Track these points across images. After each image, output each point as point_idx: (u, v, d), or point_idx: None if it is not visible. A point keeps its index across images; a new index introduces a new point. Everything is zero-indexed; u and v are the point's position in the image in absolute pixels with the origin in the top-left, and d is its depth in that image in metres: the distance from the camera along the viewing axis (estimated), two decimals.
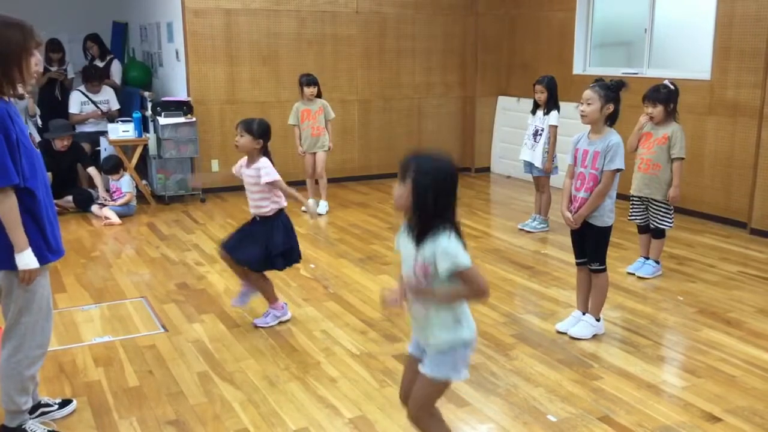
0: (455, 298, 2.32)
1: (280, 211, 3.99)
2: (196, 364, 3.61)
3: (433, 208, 2.25)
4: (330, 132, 6.81)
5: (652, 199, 4.83)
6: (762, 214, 5.92)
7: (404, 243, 2.38)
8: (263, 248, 3.92)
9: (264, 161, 3.91)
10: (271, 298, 4.09)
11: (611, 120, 3.77)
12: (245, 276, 4.10)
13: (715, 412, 3.10)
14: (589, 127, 3.82)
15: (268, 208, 3.94)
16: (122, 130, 7.09)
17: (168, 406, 3.18)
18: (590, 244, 3.86)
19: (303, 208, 3.98)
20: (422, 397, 2.44)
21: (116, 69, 8.65)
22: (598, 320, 3.93)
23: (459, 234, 2.26)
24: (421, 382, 2.41)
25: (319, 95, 6.77)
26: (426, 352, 2.41)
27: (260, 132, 3.88)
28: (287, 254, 4.01)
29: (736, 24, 6.08)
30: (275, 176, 3.90)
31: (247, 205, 4.08)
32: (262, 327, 4.03)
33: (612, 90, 3.73)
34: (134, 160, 7.09)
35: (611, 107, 3.71)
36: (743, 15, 6.01)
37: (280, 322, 4.09)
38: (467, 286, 2.27)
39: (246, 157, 3.98)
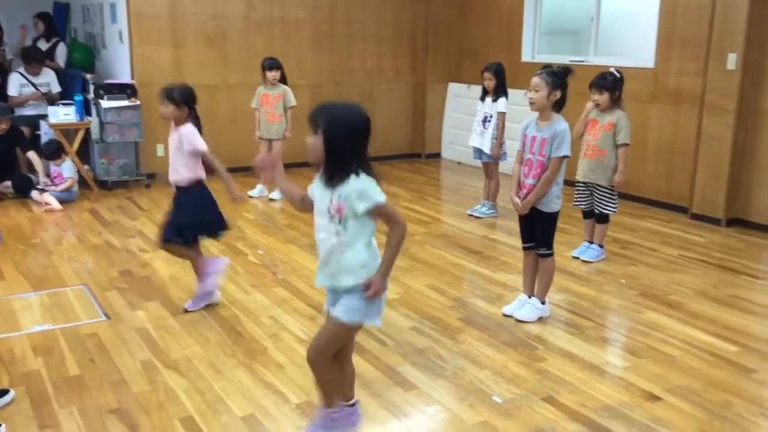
0: (393, 257, 2.45)
1: (198, 183, 3.90)
2: (140, 352, 3.53)
3: (346, 155, 2.37)
4: (289, 120, 6.61)
5: (597, 184, 4.92)
6: (702, 200, 6.09)
7: (318, 189, 2.49)
8: (176, 219, 3.88)
9: (188, 128, 3.82)
10: (201, 274, 4.01)
11: (558, 106, 3.81)
12: (192, 264, 4.07)
13: (655, 391, 3.18)
14: (536, 113, 3.86)
15: (184, 176, 3.87)
16: (63, 114, 6.88)
17: (110, 394, 3.11)
18: (538, 230, 3.91)
19: (234, 193, 3.92)
20: (324, 338, 2.54)
21: (61, 52, 8.37)
22: (543, 303, 3.99)
23: (371, 173, 2.40)
24: (327, 324, 2.54)
25: (283, 81, 6.63)
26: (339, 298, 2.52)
27: (183, 98, 3.79)
28: (200, 227, 3.94)
29: (679, 13, 6.21)
30: (198, 145, 3.81)
31: None
32: (192, 310, 3.98)
33: (559, 77, 3.77)
34: (76, 145, 6.89)
35: (558, 94, 3.76)
36: (686, 4, 6.14)
37: (210, 305, 4.05)
38: (391, 226, 2.43)
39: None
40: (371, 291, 2.43)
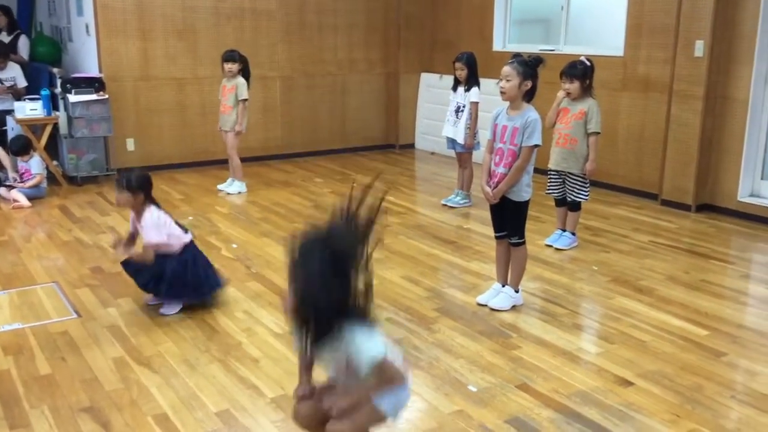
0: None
1: (184, 248, 3.90)
2: (112, 349, 3.49)
3: (325, 312, 1.98)
4: (240, 114, 6.41)
5: (569, 172, 4.95)
6: (672, 186, 6.17)
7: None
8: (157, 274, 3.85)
9: (147, 220, 3.80)
10: None
11: (529, 96, 3.82)
12: None
13: (627, 376, 3.22)
14: (507, 102, 3.87)
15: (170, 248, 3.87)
16: (30, 109, 6.75)
17: (82, 393, 3.07)
18: (509, 219, 3.93)
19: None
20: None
21: (23, 44, 8.20)
22: (517, 292, 4.01)
23: (363, 317, 2.04)
24: None
25: (244, 74, 6.52)
26: None
27: (138, 185, 3.79)
28: (181, 286, 3.87)
29: (647, 2, 6.26)
30: (155, 238, 3.77)
31: (166, 185, 3.96)
32: (168, 314, 3.89)
33: (530, 66, 3.78)
34: (43, 140, 6.77)
35: (529, 83, 3.77)
36: None
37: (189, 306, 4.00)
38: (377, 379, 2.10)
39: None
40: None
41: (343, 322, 2.01)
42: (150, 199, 3.86)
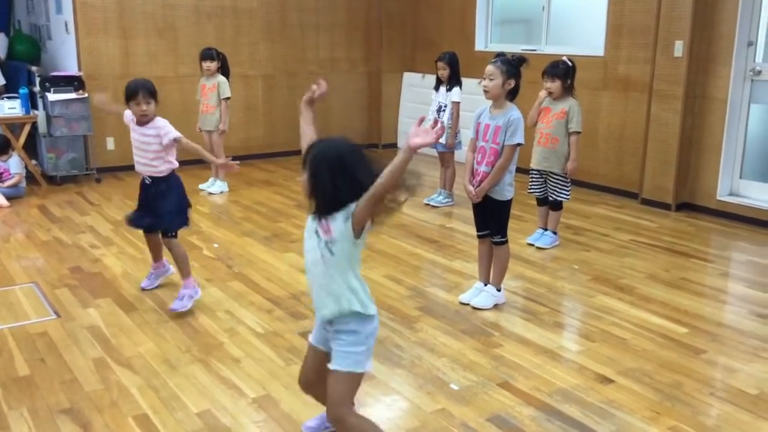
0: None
1: (173, 172, 3.89)
2: (92, 350, 3.46)
3: (331, 191, 2.20)
4: (223, 113, 6.43)
5: (550, 172, 4.98)
6: (652, 185, 6.22)
7: (310, 229, 2.32)
8: (159, 210, 3.86)
9: (160, 120, 3.80)
10: (187, 272, 3.92)
11: (512, 95, 3.84)
12: (158, 255, 4.09)
13: (608, 374, 3.24)
14: (489, 101, 3.88)
15: (160, 168, 3.83)
16: (8, 107, 6.69)
17: (61, 394, 3.04)
18: (492, 218, 3.94)
19: (217, 162, 4.15)
20: (337, 395, 2.32)
21: (1, 42, 8.11)
22: (499, 290, 4.02)
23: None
24: (330, 381, 2.32)
25: (225, 72, 6.50)
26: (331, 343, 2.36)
27: (154, 92, 3.78)
28: (178, 216, 3.93)
29: (627, 2, 6.31)
30: (177, 133, 3.80)
31: None
32: (180, 311, 3.84)
33: (513, 65, 3.79)
34: (22, 139, 6.69)
35: (513, 82, 3.78)
36: None
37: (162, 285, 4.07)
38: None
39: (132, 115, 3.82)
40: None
41: (349, 201, 2.23)
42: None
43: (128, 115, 3.85)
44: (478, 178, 3.88)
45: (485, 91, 3.82)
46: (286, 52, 8.20)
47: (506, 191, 3.87)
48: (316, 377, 2.48)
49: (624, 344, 3.56)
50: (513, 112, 3.80)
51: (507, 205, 3.92)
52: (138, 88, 3.70)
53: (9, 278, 4.43)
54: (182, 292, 3.91)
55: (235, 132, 7.56)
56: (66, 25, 7.35)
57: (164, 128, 3.78)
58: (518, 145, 3.80)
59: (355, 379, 2.35)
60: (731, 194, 5.93)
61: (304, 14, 8.22)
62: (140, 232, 4.17)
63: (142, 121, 3.79)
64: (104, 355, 3.40)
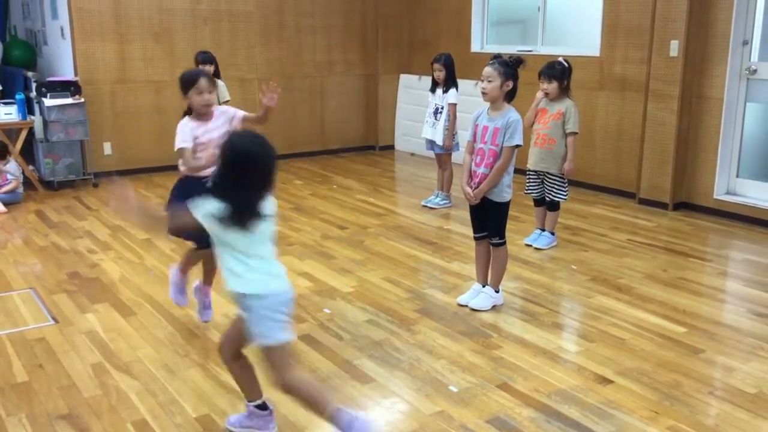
0: None
1: None
2: (90, 355, 3.45)
3: (218, 178, 2.40)
4: None
5: (547, 172, 4.98)
6: (649, 185, 6.23)
7: None
8: None
9: (221, 107, 3.55)
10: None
11: (510, 96, 3.84)
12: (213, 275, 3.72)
13: (607, 374, 3.24)
14: (487, 103, 3.88)
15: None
16: (4, 113, 6.68)
17: (60, 400, 3.04)
18: (491, 219, 3.95)
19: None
20: (275, 367, 2.53)
21: None
22: (497, 292, 4.02)
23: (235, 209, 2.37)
24: (265, 356, 2.55)
25: (217, 75, 6.52)
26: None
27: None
28: None
29: (623, 2, 6.32)
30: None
31: (144, 188, 3.92)
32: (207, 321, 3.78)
33: (511, 67, 3.80)
34: (19, 145, 6.69)
35: (511, 84, 3.78)
36: None
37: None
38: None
39: (195, 118, 3.41)
40: None
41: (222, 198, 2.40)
42: None
43: (187, 129, 3.38)
44: (477, 180, 3.88)
45: (483, 93, 3.82)
46: (283, 55, 8.21)
47: (505, 193, 3.88)
48: (228, 341, 2.73)
49: (622, 344, 3.56)
50: (511, 113, 3.80)
51: (505, 206, 3.92)
52: (199, 75, 3.35)
53: (6, 284, 4.42)
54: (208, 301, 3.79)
55: None
56: (62, 30, 7.35)
57: (229, 108, 3.52)
58: (517, 146, 3.80)
59: (275, 350, 2.50)
60: (728, 193, 5.94)
61: (300, 17, 8.23)
62: (139, 237, 4.13)
63: (205, 112, 3.39)
64: (103, 361, 3.39)
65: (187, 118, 3.44)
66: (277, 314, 2.49)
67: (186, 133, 3.38)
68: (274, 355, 2.51)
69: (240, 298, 2.50)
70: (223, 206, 2.36)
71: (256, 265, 2.49)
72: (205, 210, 2.39)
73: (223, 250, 2.50)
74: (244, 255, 2.47)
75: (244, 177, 2.35)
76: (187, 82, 3.36)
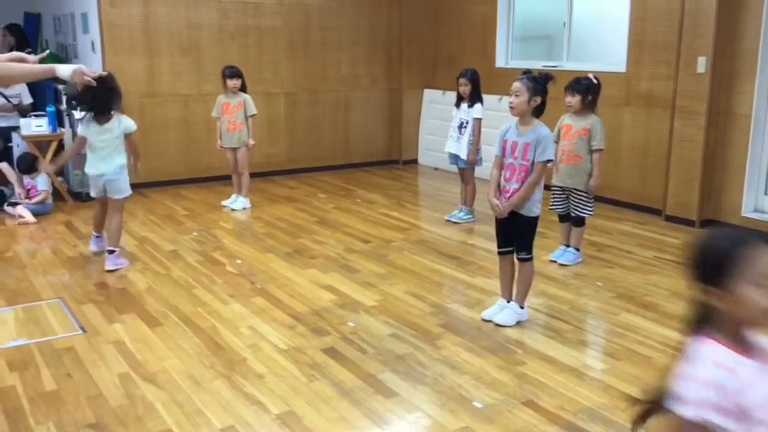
0: None
1: None
2: (117, 365, 3.49)
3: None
4: (251, 128, 6.60)
5: (573, 188, 4.96)
6: (676, 201, 6.17)
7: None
8: None
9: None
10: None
11: (538, 112, 3.84)
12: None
13: (634, 393, 3.21)
14: (514, 118, 3.88)
15: None
16: (35, 125, 6.79)
17: (87, 409, 3.07)
18: (519, 234, 3.94)
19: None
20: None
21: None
22: (522, 307, 4.01)
23: None
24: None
25: (243, 89, 6.63)
26: None
27: None
28: None
29: (649, 18, 6.30)
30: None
31: (171, 200, 3.98)
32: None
33: (539, 82, 3.80)
34: (49, 156, 6.79)
35: (539, 99, 3.79)
36: (655, 9, 6.23)
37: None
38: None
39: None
40: None
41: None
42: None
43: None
44: (508, 195, 3.87)
45: (511, 107, 3.83)
46: (308, 69, 8.28)
47: (535, 207, 3.87)
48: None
49: (649, 362, 3.52)
50: (541, 128, 3.81)
51: (534, 221, 3.92)
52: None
53: (36, 294, 4.49)
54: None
55: (258, 148, 7.62)
56: (93, 44, 7.49)
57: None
58: (549, 161, 3.80)
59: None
60: (756, 210, 5.87)
61: (326, 32, 8.30)
62: (165, 248, 4.22)
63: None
64: (129, 371, 3.43)
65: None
66: None
67: None
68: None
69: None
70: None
71: None
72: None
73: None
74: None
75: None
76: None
